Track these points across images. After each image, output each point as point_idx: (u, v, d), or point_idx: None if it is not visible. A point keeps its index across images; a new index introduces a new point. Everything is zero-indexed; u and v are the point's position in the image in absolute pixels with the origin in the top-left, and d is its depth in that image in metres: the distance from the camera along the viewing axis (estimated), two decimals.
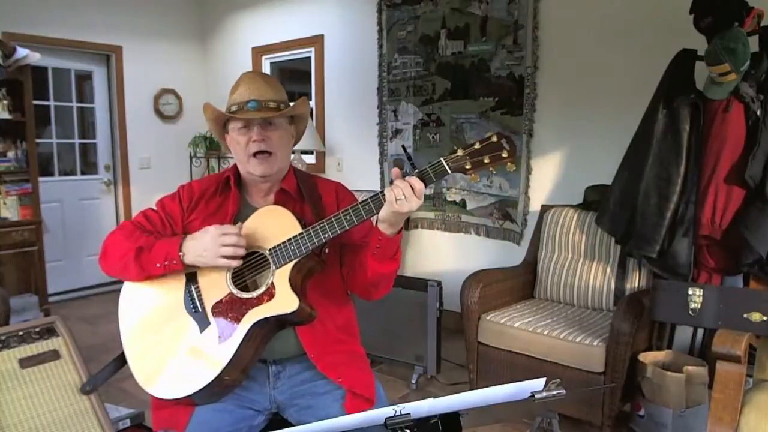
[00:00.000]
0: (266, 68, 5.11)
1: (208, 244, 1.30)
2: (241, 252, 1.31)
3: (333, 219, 1.28)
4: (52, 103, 4.70)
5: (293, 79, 5.64)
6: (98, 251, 1.48)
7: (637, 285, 2.74)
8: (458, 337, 3.14)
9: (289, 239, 1.31)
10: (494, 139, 1.18)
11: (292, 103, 1.47)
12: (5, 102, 3.89)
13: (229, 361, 1.29)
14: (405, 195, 1.16)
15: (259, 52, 5.07)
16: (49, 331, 1.63)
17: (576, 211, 3.01)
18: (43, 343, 1.60)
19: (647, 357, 2.40)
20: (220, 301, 1.34)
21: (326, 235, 1.28)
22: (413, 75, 4.00)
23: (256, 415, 1.43)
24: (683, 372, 2.25)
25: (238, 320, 1.31)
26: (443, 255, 3.99)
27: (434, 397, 0.87)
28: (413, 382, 3.03)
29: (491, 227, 3.73)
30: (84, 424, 1.55)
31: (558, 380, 0.93)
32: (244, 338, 1.30)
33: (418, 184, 1.17)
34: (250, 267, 1.38)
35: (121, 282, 1.46)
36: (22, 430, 1.47)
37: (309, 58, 4.72)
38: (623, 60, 3.08)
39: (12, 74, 3.82)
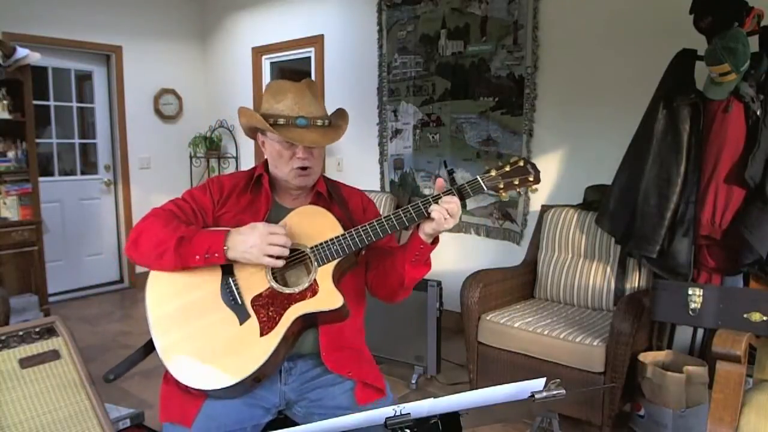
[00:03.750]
0: (266, 68, 5.11)
1: (256, 241, 1.30)
2: (286, 253, 1.33)
3: (375, 223, 1.34)
4: (52, 103, 4.69)
5: (293, 79, 5.60)
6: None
7: (637, 285, 2.74)
8: (458, 337, 3.15)
9: (332, 239, 1.35)
10: (521, 163, 1.32)
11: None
12: (5, 102, 3.89)
13: (271, 354, 1.30)
14: (451, 214, 1.27)
15: (259, 52, 5.07)
16: (49, 331, 1.63)
17: (576, 211, 3.01)
18: (43, 343, 1.60)
19: (647, 357, 2.40)
20: (260, 295, 1.35)
21: (369, 238, 1.34)
22: (413, 75, 4.00)
23: (263, 413, 1.43)
24: (683, 372, 2.25)
25: (280, 314, 1.33)
26: (443, 255, 3.98)
27: (434, 397, 0.88)
28: (413, 382, 3.03)
29: (491, 227, 3.73)
30: (84, 424, 1.55)
31: (558, 380, 0.93)
32: (286, 332, 1.32)
33: (456, 201, 1.29)
34: (286, 263, 1.39)
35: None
36: (22, 430, 1.46)
37: (309, 58, 4.72)
38: (623, 60, 3.08)
39: (12, 74, 3.82)
